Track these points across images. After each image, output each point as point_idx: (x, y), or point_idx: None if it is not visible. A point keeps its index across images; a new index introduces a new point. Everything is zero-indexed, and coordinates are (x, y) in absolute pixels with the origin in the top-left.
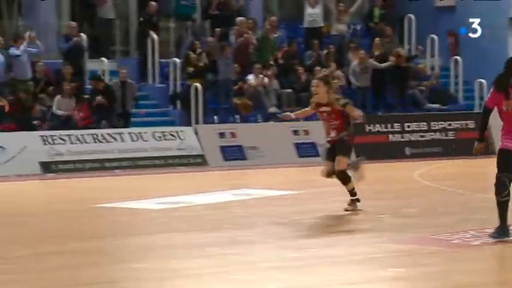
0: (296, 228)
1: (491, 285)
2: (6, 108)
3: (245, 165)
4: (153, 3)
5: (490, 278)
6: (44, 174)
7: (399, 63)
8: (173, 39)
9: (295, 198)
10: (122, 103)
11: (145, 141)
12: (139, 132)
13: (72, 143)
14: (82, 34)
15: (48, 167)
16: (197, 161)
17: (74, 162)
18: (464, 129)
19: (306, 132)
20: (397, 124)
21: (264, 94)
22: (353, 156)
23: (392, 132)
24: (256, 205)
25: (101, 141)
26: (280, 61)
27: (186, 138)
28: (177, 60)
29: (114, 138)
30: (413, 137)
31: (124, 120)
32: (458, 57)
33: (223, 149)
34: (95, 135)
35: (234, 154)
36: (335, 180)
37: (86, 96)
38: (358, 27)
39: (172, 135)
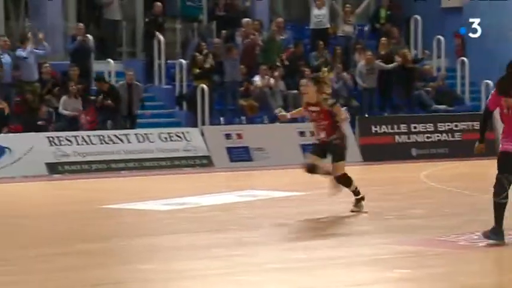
0: (302, 230)
1: (497, 286)
2: (6, 111)
3: (251, 166)
4: (159, 3)
5: (496, 279)
6: (50, 175)
7: (405, 64)
8: (179, 40)
9: (301, 200)
10: (128, 105)
11: (152, 142)
12: (146, 134)
13: (78, 144)
14: (88, 35)
15: (54, 168)
16: (203, 162)
17: (80, 163)
18: (471, 130)
19: (312, 134)
20: (404, 125)
21: (270, 95)
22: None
23: (399, 133)
24: (262, 206)
25: (107, 143)
26: (286, 62)
27: (192, 140)
28: (183, 61)
29: (120, 140)
30: (420, 138)
31: (130, 122)
32: (464, 58)
33: (230, 150)
34: (101, 137)
35: (240, 155)
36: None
37: (92, 97)
38: (365, 28)
39: (179, 137)
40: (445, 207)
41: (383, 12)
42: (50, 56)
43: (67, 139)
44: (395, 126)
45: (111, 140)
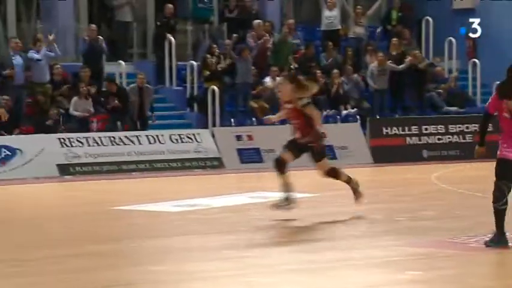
0: (313, 231)
1: None
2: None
3: (262, 167)
4: (170, 5)
5: (506, 281)
6: (61, 177)
7: (416, 64)
8: (190, 42)
9: (312, 201)
10: (139, 108)
11: (162, 143)
12: (157, 135)
13: (89, 146)
14: (100, 37)
15: (65, 170)
16: (214, 164)
17: (91, 164)
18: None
19: (324, 135)
20: (415, 127)
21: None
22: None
23: (410, 135)
24: None
25: (118, 144)
26: (296, 65)
27: (203, 141)
28: (194, 63)
29: (131, 141)
30: (431, 140)
31: (141, 125)
32: (476, 60)
33: (240, 151)
34: (112, 138)
35: (250, 157)
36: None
37: (102, 99)
38: (376, 30)
39: (189, 138)
40: (456, 209)
41: (394, 14)
42: (61, 57)
43: (78, 140)
44: (407, 128)
45: (122, 142)
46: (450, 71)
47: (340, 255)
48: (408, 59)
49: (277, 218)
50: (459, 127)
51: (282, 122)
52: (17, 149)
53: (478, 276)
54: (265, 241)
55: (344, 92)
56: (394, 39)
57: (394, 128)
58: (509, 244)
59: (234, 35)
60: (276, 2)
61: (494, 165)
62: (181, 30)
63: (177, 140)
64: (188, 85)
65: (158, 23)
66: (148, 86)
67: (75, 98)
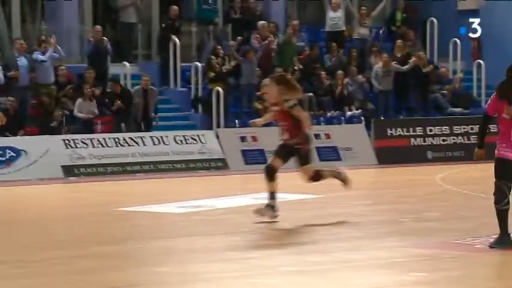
0: (316, 233)
1: None
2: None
3: None
4: (174, 6)
5: (511, 283)
6: (66, 178)
7: (420, 66)
8: (195, 43)
9: (315, 202)
10: (144, 110)
11: (167, 145)
12: (161, 136)
13: (94, 147)
14: (104, 38)
15: (70, 171)
16: (218, 165)
17: (95, 166)
18: (487, 133)
19: (328, 136)
20: (419, 128)
21: None
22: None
23: (414, 136)
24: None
25: (122, 145)
26: (301, 66)
27: (208, 142)
28: (199, 64)
29: (136, 142)
30: (436, 141)
31: (146, 127)
32: (481, 61)
33: (245, 152)
34: (116, 139)
35: (255, 158)
36: (355, 184)
37: (106, 100)
38: (381, 31)
39: (194, 139)
40: (461, 210)
41: (399, 15)
42: (65, 58)
43: (83, 142)
44: (411, 129)
45: (127, 143)
46: (455, 72)
47: (345, 257)
48: (412, 59)
49: (281, 220)
50: (464, 128)
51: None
52: (22, 150)
53: (483, 278)
54: (269, 242)
55: (348, 93)
56: (399, 41)
57: (399, 129)
58: None
59: (239, 37)
60: (281, 3)
61: (494, 166)
62: (186, 32)
63: (181, 141)
64: (193, 86)
65: (163, 25)
66: (153, 87)
67: (79, 100)
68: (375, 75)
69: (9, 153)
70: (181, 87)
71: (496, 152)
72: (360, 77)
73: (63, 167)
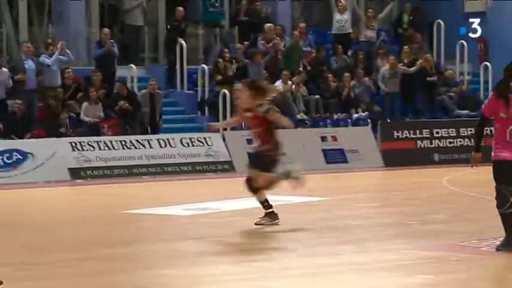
0: (323, 235)
1: None
2: None
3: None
4: (181, 8)
5: None
6: (72, 181)
7: (426, 68)
8: (201, 45)
9: (322, 205)
10: (151, 114)
11: (173, 147)
12: (167, 139)
13: (100, 150)
14: (111, 41)
15: (77, 173)
16: (225, 167)
17: (102, 168)
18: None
19: (334, 139)
20: (426, 130)
21: (292, 101)
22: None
23: (421, 139)
24: (283, 211)
25: (129, 148)
26: (308, 68)
27: (214, 145)
28: (205, 66)
29: (143, 145)
30: (442, 143)
31: (152, 130)
32: (487, 63)
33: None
34: (123, 142)
35: None
36: (361, 187)
37: (110, 101)
38: (385, 33)
39: (200, 142)
40: (467, 212)
41: (406, 17)
42: (73, 62)
43: (89, 144)
44: (418, 131)
45: (133, 145)
46: (461, 74)
47: (351, 259)
48: (419, 61)
49: (286, 222)
50: (470, 130)
51: (293, 125)
52: (29, 152)
53: (489, 280)
54: (275, 245)
55: (355, 95)
56: (405, 47)
57: (405, 132)
58: None
59: (246, 42)
60: (287, 5)
61: (492, 169)
62: (193, 34)
63: (188, 143)
64: (199, 89)
65: (169, 27)
66: (159, 91)
67: (85, 104)
68: (381, 78)
69: (16, 155)
70: (188, 90)
71: (492, 154)
72: (367, 79)
73: (70, 169)
